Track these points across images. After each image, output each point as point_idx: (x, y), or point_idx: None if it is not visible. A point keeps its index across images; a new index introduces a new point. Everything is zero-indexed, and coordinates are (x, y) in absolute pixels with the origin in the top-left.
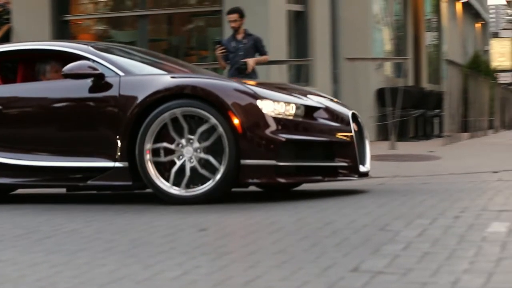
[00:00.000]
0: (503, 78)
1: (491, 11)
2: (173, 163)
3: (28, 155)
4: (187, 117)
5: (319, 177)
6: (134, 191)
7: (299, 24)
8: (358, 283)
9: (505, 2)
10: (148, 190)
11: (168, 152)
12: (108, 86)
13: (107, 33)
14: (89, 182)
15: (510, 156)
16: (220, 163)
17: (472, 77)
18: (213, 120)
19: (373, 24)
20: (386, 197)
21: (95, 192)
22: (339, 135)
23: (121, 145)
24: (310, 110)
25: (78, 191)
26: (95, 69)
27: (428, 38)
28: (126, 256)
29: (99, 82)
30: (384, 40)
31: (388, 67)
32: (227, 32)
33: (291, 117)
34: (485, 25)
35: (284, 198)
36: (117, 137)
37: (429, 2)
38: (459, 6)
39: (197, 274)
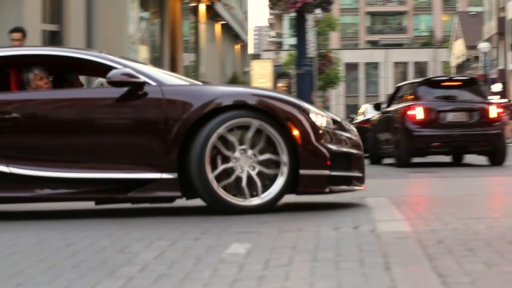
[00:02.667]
0: None
1: (254, 32)
2: (232, 172)
3: (63, 166)
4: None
5: (346, 187)
6: None
7: (54, 44)
8: None
9: (268, 24)
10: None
11: (224, 160)
12: (147, 94)
13: None
14: (130, 194)
15: None
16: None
17: None
18: (273, 131)
19: (128, 45)
20: (127, 219)
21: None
22: (357, 147)
23: (170, 155)
24: (335, 123)
25: (112, 204)
26: (137, 77)
27: (186, 59)
28: None
29: (138, 90)
30: (140, 61)
31: None
32: None
33: (328, 129)
34: (244, 46)
35: (29, 218)
36: (165, 147)
37: (188, 24)
38: (218, 28)
39: None
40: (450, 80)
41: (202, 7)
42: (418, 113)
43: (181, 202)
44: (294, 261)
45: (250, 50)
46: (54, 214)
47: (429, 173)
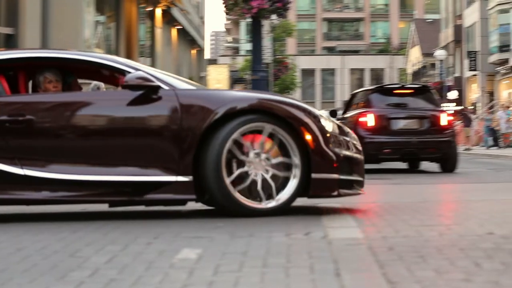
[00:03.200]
0: None
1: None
2: (247, 176)
3: (77, 169)
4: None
5: (350, 191)
6: None
7: (9, 47)
8: None
9: (225, 30)
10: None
11: (239, 164)
12: (161, 98)
13: None
14: (146, 196)
15: None
16: (287, 177)
17: None
18: (286, 135)
19: (84, 48)
20: (81, 223)
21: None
22: (358, 152)
23: (185, 159)
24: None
25: (127, 206)
26: (152, 81)
27: (142, 63)
28: None
29: (153, 94)
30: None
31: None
32: None
33: (336, 134)
34: (200, 51)
35: None
36: (180, 151)
37: (144, 28)
38: (174, 33)
39: None
40: (402, 87)
41: (158, 12)
42: (370, 120)
43: (134, 207)
44: (244, 267)
45: (207, 55)
46: (7, 218)
47: (383, 180)
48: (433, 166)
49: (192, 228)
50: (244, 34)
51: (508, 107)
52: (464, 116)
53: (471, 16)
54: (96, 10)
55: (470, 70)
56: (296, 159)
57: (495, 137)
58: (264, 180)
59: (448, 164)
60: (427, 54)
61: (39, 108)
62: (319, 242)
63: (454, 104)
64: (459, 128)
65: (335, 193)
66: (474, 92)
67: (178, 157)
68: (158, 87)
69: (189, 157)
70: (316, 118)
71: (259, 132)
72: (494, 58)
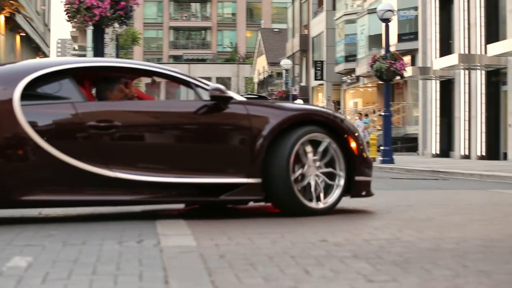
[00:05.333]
0: None
1: (58, 45)
2: (303, 178)
3: (160, 171)
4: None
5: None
6: None
7: None
8: None
9: (70, 37)
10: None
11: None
12: (231, 108)
13: None
14: (221, 197)
15: None
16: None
17: None
18: (333, 143)
19: None
20: None
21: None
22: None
23: (256, 162)
24: None
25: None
26: (226, 92)
27: None
28: None
29: (226, 104)
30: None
31: None
32: None
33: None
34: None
35: None
36: (252, 155)
37: None
38: (18, 39)
39: None
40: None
41: (1, 19)
42: None
43: None
44: (73, 275)
45: None
46: None
47: None
48: None
49: (25, 236)
50: (90, 42)
51: (367, 115)
52: None
53: (318, 26)
54: None
55: (316, 80)
56: (341, 165)
57: None
58: (316, 183)
59: None
60: (273, 63)
61: (125, 115)
62: (151, 249)
63: None
64: None
65: (371, 193)
66: (320, 101)
67: (249, 161)
68: (231, 98)
69: (259, 161)
70: (353, 127)
71: (314, 141)
72: (340, 67)
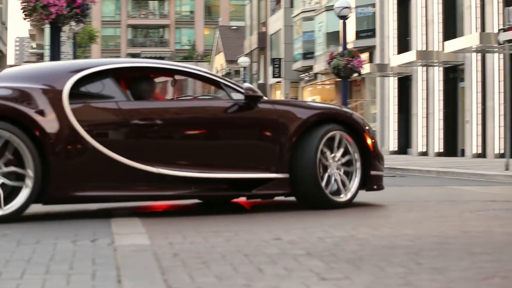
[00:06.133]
0: None
1: (16, 43)
2: (326, 174)
3: (198, 167)
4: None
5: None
6: None
7: None
8: None
9: (29, 35)
10: None
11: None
12: (260, 106)
13: None
14: (253, 191)
15: None
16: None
17: None
18: (352, 140)
19: None
20: None
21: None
22: None
23: (284, 159)
24: None
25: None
26: (257, 91)
27: None
28: None
29: (255, 103)
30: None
31: None
32: None
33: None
34: (3, 57)
35: None
36: (280, 152)
37: None
38: None
39: None
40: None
41: None
42: None
43: None
44: (26, 274)
45: (11, 61)
46: None
47: None
48: None
49: None
50: (48, 40)
51: None
52: None
53: (275, 23)
54: None
55: (274, 77)
56: (357, 159)
57: None
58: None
59: None
60: (231, 61)
61: (165, 114)
62: (105, 249)
63: None
64: None
65: (382, 186)
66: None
67: (278, 158)
68: (261, 97)
69: (287, 157)
70: (368, 125)
71: (334, 138)
72: (298, 65)
